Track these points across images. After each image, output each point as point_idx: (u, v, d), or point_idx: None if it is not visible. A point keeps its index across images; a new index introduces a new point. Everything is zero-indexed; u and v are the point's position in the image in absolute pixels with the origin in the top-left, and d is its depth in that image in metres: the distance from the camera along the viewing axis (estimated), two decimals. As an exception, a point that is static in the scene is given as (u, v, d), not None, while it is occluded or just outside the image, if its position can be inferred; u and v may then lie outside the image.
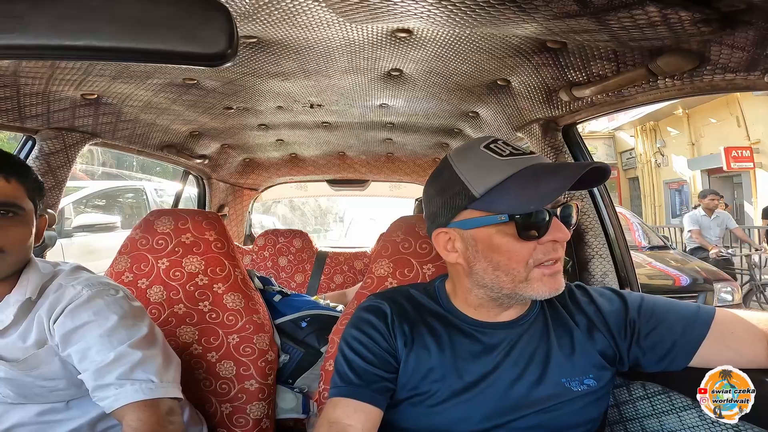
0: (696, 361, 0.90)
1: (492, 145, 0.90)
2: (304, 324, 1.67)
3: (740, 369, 0.85)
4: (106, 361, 0.96)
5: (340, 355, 0.98)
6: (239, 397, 1.39)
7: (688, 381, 0.90)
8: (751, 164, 10.22)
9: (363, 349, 0.95)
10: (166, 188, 7.03)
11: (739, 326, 0.90)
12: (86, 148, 1.66)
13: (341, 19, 0.98)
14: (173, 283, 1.42)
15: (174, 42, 0.49)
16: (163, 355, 1.04)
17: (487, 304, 0.94)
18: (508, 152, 0.88)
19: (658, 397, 1.00)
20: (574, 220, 0.92)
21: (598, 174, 0.90)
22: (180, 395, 1.02)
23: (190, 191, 3.13)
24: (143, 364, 0.98)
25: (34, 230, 1.02)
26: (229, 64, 0.53)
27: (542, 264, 0.87)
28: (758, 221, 9.59)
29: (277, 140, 2.42)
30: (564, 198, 0.92)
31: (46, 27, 0.48)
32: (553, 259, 0.87)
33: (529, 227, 0.85)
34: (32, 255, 1.05)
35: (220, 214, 3.04)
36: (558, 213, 0.87)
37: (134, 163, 14.20)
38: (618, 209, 1.51)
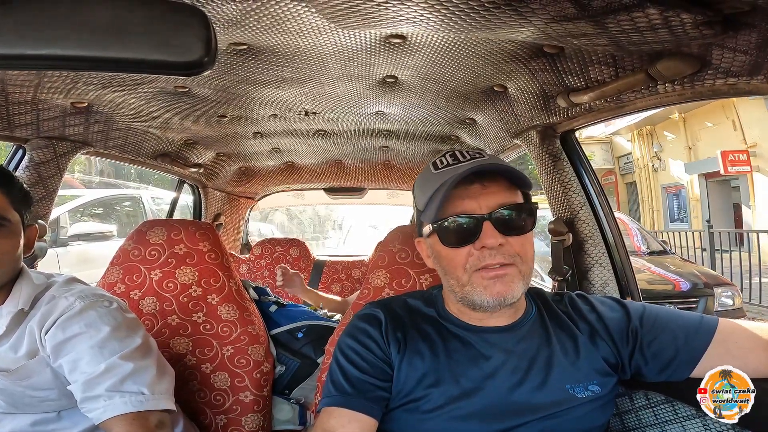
0: (699, 371, 0.89)
1: (440, 158, 0.96)
2: (300, 334, 1.65)
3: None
4: (96, 373, 0.94)
5: (334, 363, 0.97)
6: (234, 408, 1.37)
7: (691, 391, 0.89)
8: (748, 168, 10.27)
9: (357, 358, 0.95)
10: (163, 197, 7.00)
11: (743, 336, 0.90)
12: (81, 157, 1.64)
13: (332, 25, 0.97)
14: (166, 295, 1.41)
15: (147, 50, 0.47)
16: (157, 367, 1.02)
17: (463, 308, 0.96)
18: (445, 164, 0.94)
19: (662, 406, 0.99)
20: (521, 222, 0.90)
21: (511, 175, 0.90)
22: (172, 407, 1.01)
23: (187, 200, 3.10)
24: (134, 375, 0.97)
25: (22, 241, 1.02)
26: (206, 73, 0.51)
27: (484, 268, 0.87)
28: (756, 224, 9.61)
29: (273, 148, 2.40)
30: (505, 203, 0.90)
31: (14, 35, 0.46)
32: (493, 265, 0.87)
33: (451, 236, 0.90)
34: (24, 266, 1.05)
35: (216, 223, 3.03)
36: (494, 218, 0.87)
37: (132, 172, 14.19)
38: (616, 214, 1.49)
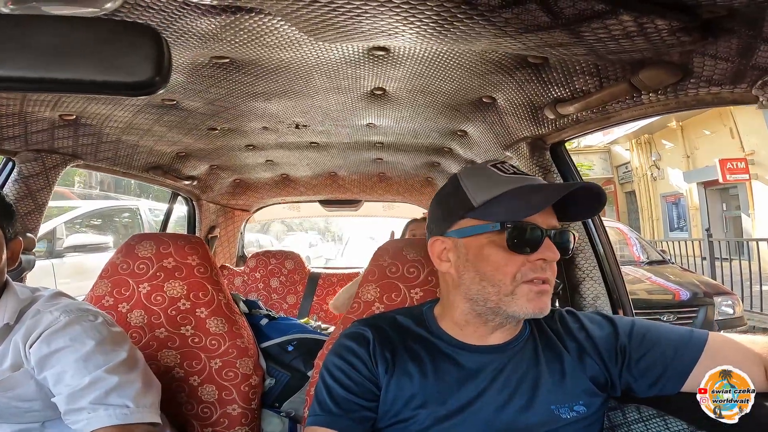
0: (690, 386, 0.88)
1: (500, 165, 0.95)
2: (290, 348, 1.64)
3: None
4: (81, 386, 0.94)
5: (320, 382, 0.96)
6: (221, 421, 1.36)
7: (683, 405, 0.88)
8: (746, 176, 10.25)
9: (344, 377, 0.94)
10: (161, 208, 7.00)
11: (733, 350, 0.89)
12: (75, 171, 1.64)
13: (310, 39, 0.97)
14: (154, 308, 1.40)
15: (95, 71, 0.46)
16: (143, 380, 1.02)
17: (474, 321, 0.93)
18: (511, 171, 0.94)
19: (654, 420, 0.97)
20: (571, 246, 0.93)
21: (593, 200, 0.93)
22: (157, 420, 1.01)
23: (183, 212, 3.09)
24: (119, 389, 0.96)
25: (5, 255, 1.01)
26: (160, 92, 0.50)
27: (531, 281, 0.87)
28: (756, 233, 9.57)
29: (267, 161, 2.40)
30: (562, 225, 0.94)
31: None
32: (541, 279, 0.87)
33: (520, 240, 0.87)
34: (9, 280, 1.04)
35: (210, 235, 3.02)
36: (552, 235, 0.89)
37: (132, 184, 14.22)
38: (615, 224, 1.49)
